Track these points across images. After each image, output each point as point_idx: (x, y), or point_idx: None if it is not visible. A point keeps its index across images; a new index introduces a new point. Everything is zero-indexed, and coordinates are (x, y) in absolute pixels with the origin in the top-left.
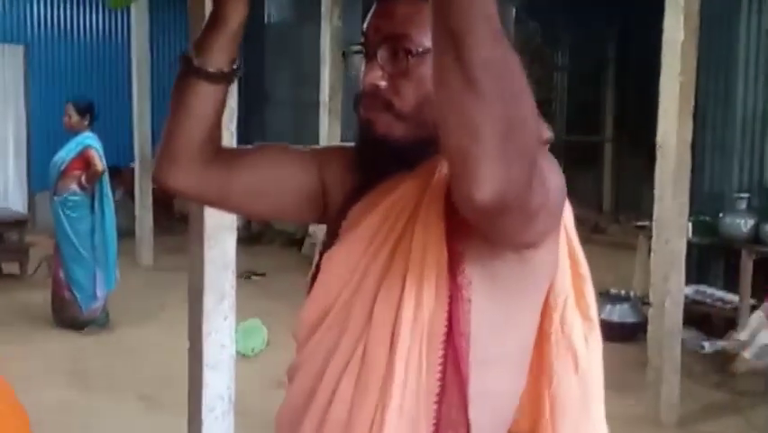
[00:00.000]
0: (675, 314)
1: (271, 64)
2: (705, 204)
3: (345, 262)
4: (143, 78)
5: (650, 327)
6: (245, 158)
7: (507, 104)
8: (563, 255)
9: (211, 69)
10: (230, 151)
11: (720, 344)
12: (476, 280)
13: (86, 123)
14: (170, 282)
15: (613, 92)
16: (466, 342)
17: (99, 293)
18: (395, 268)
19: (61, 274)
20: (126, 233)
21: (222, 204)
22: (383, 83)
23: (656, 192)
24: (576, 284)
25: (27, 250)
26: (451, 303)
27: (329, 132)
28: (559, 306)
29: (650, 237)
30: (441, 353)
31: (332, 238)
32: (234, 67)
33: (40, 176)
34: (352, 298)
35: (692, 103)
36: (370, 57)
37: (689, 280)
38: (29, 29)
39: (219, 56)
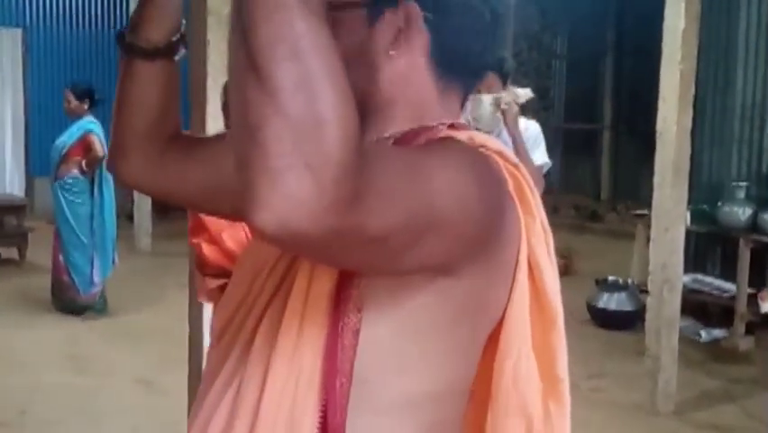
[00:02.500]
0: (673, 302)
1: None
2: (703, 192)
3: (248, 272)
4: None
5: (648, 316)
6: (199, 149)
7: (302, 98)
8: (522, 292)
9: (144, 45)
10: (190, 139)
11: (717, 332)
12: (372, 308)
13: (86, 107)
14: (169, 267)
15: (611, 80)
16: (345, 382)
17: (96, 279)
18: (283, 290)
19: (61, 258)
20: (125, 218)
21: (182, 199)
22: None
23: (655, 180)
24: (540, 329)
25: (26, 235)
26: (331, 335)
27: None
28: (512, 355)
29: (648, 225)
30: (318, 395)
31: None
32: (173, 40)
33: (38, 161)
34: (244, 318)
35: (692, 91)
36: None
37: (686, 269)
38: (27, 12)
39: (153, 30)
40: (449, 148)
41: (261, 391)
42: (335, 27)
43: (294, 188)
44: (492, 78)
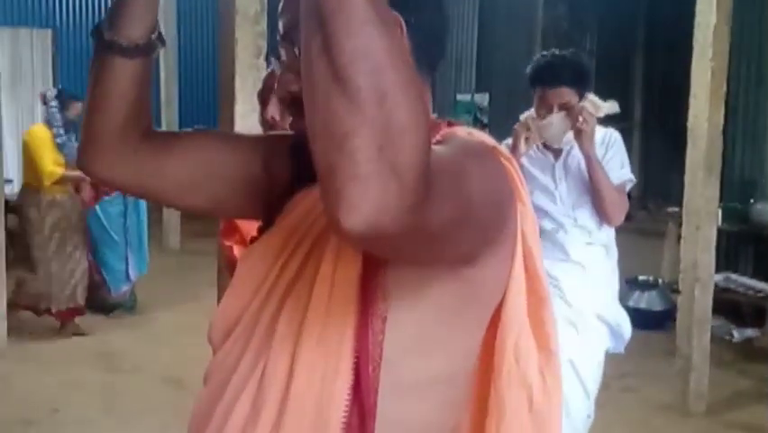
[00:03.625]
0: (704, 302)
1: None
2: (735, 190)
3: (259, 265)
4: (171, 62)
5: (679, 315)
6: (178, 145)
7: (385, 108)
8: (519, 274)
9: (124, 43)
10: (164, 135)
11: (750, 332)
12: (397, 296)
13: None
14: (198, 266)
15: (642, 77)
16: (376, 366)
17: (132, 276)
18: (305, 278)
19: (90, 257)
20: (154, 216)
21: (156, 195)
22: (295, 87)
23: (686, 178)
24: (534, 308)
25: None
26: (360, 322)
27: None
28: (513, 333)
29: (679, 224)
30: (348, 381)
31: (261, 234)
32: (152, 38)
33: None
34: (260, 308)
35: (724, 88)
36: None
37: (718, 268)
38: (57, 13)
39: (133, 27)
40: (467, 145)
41: (289, 378)
42: None
43: (382, 193)
44: (567, 92)
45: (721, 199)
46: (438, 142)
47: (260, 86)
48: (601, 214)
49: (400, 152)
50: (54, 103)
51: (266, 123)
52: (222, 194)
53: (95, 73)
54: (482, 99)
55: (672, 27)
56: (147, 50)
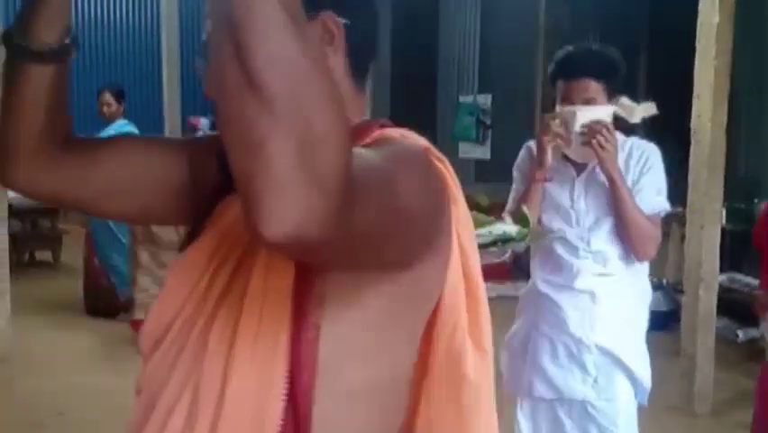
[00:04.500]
0: (709, 302)
1: None
2: (739, 190)
3: (190, 272)
4: (173, 65)
5: (683, 316)
6: (102, 151)
7: (303, 113)
8: (456, 273)
9: (35, 47)
10: (86, 143)
11: (754, 332)
12: (333, 302)
13: (122, 110)
14: None
15: (645, 77)
16: (310, 374)
17: None
18: (236, 287)
19: (96, 261)
20: None
21: (82, 205)
22: None
23: (690, 178)
24: (470, 307)
25: (60, 238)
26: (294, 330)
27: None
28: (448, 331)
29: (683, 224)
30: (283, 390)
31: (192, 239)
32: (66, 42)
33: None
34: (192, 318)
35: (728, 87)
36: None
37: (722, 268)
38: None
39: (45, 31)
40: (398, 147)
41: (223, 390)
42: None
43: (302, 201)
44: (592, 86)
45: (725, 199)
46: (368, 145)
47: None
48: (627, 243)
49: (321, 158)
50: None
51: None
52: (149, 200)
53: (6, 80)
54: (485, 100)
55: (674, 27)
56: (60, 54)
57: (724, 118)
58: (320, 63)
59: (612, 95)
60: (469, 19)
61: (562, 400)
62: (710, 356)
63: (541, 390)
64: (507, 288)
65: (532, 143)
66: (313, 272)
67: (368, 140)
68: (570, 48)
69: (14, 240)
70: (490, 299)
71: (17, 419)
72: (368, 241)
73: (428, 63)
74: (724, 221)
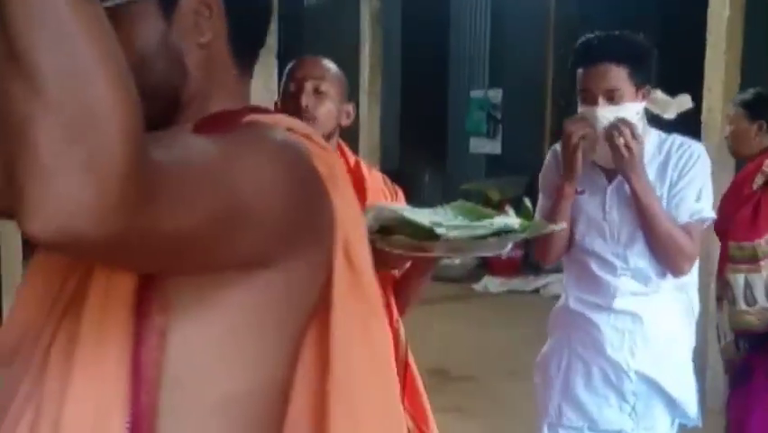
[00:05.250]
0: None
1: (310, 47)
2: None
3: (42, 279)
4: None
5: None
6: None
7: (76, 92)
8: (342, 277)
9: None
10: None
11: None
12: (181, 306)
13: None
14: None
15: (656, 72)
16: (152, 388)
17: None
18: (82, 293)
19: None
20: None
21: None
22: None
23: None
24: (359, 315)
25: None
26: (136, 339)
27: (368, 115)
28: (337, 341)
29: None
30: (125, 404)
31: None
32: None
33: None
34: (41, 328)
35: (738, 81)
36: None
37: None
38: None
39: None
40: (254, 136)
41: (61, 407)
42: (131, 25)
43: (72, 190)
44: (613, 70)
45: None
46: (227, 134)
47: (271, 84)
48: (656, 258)
49: (98, 144)
50: None
51: (298, 108)
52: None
53: None
54: (496, 95)
55: (685, 20)
56: None
57: None
58: (99, 29)
59: (641, 85)
60: (479, 14)
61: (595, 430)
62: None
63: (572, 417)
64: (517, 283)
65: (558, 147)
66: (156, 276)
67: (232, 128)
68: (589, 35)
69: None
70: (501, 295)
71: None
72: (191, 241)
73: (439, 58)
74: None
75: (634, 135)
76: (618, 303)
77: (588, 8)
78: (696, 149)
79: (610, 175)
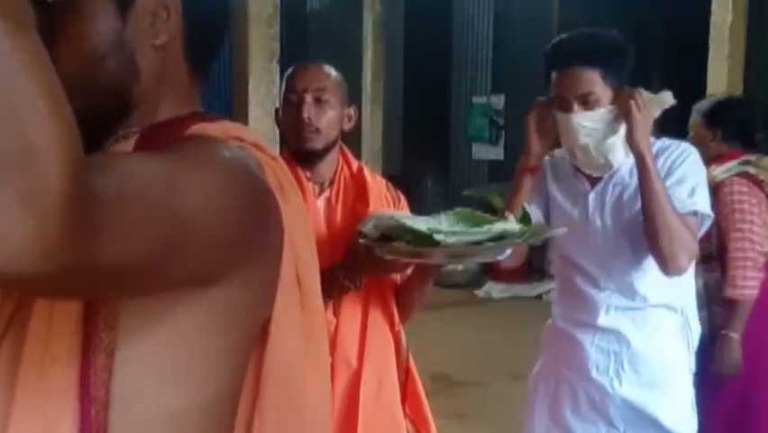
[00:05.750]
0: None
1: (313, 52)
2: None
3: None
4: None
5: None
6: None
7: (5, 123)
8: (288, 289)
9: None
10: None
11: None
12: (129, 324)
13: None
14: None
15: (659, 77)
16: (101, 408)
17: None
18: (23, 311)
19: None
20: None
21: None
22: None
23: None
24: (305, 321)
25: None
26: (84, 357)
27: (371, 120)
28: (280, 352)
29: None
30: (74, 425)
31: None
32: None
33: None
34: None
35: (741, 85)
36: None
37: None
38: None
39: None
40: (199, 152)
41: (5, 428)
42: (85, 21)
43: (10, 229)
44: (585, 75)
45: None
46: (171, 148)
47: (273, 89)
48: (653, 251)
49: (32, 175)
50: None
51: (301, 122)
52: None
53: None
54: (498, 101)
55: (688, 26)
56: None
57: None
58: (44, 74)
59: (617, 87)
60: (482, 20)
61: None
62: None
63: None
64: (519, 288)
65: (548, 157)
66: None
67: (170, 137)
68: (561, 36)
69: None
70: (503, 300)
71: None
72: (137, 268)
73: (442, 64)
74: None
75: (639, 100)
76: (603, 320)
77: (591, 14)
78: (684, 148)
79: (592, 181)
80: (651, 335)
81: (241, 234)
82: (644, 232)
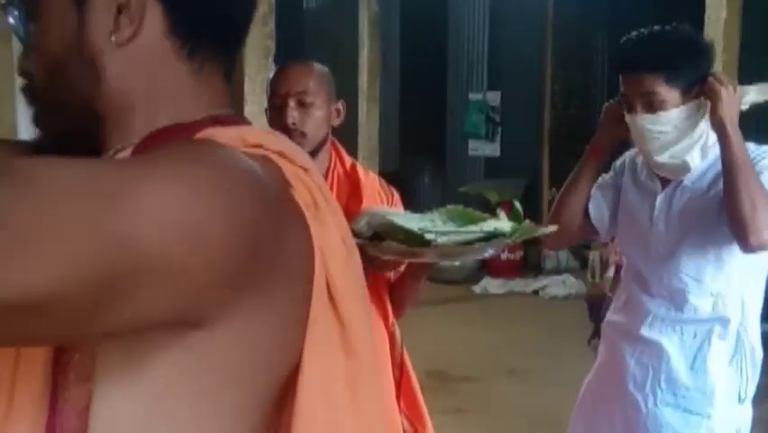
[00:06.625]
0: None
1: (309, 50)
2: None
3: None
4: None
5: None
6: None
7: None
8: (322, 321)
9: None
10: None
11: None
12: (105, 376)
13: None
14: None
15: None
16: None
17: None
18: None
19: None
20: None
21: None
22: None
23: None
24: (352, 375)
25: None
26: (49, 415)
27: (367, 117)
28: (314, 406)
29: None
30: None
31: None
32: None
33: None
34: None
35: (735, 82)
36: None
37: None
38: None
39: None
40: (174, 154)
41: None
42: (45, 21)
43: None
44: (647, 80)
45: None
46: (143, 157)
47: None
48: (734, 222)
49: None
50: None
51: (286, 127)
52: None
53: None
54: (494, 98)
55: (682, 22)
56: None
57: None
58: None
59: (687, 87)
60: (478, 17)
61: None
62: None
63: None
64: (516, 284)
65: (633, 153)
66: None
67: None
68: (629, 36)
69: None
70: (500, 296)
71: None
72: (59, 305)
73: (438, 61)
74: None
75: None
76: (646, 330)
77: (586, 11)
78: (765, 149)
79: (665, 183)
80: (694, 354)
81: (232, 265)
82: (725, 203)
